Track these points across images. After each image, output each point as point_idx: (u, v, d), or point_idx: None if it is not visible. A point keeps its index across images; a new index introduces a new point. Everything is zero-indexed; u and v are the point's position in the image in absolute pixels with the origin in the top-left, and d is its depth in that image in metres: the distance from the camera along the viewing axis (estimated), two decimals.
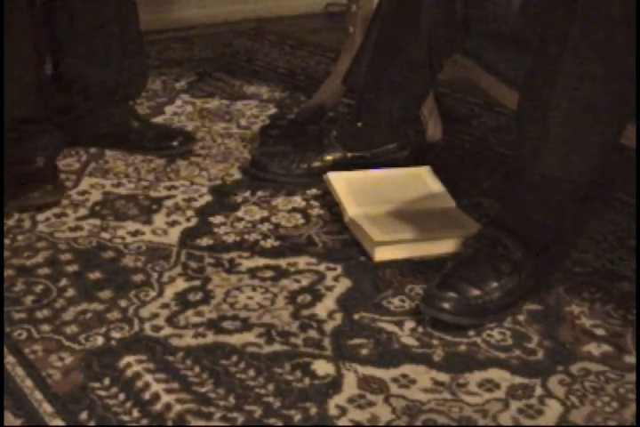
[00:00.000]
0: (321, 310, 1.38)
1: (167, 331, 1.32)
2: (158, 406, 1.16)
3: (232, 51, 2.82)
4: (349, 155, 1.83)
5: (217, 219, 1.67)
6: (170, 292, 1.43)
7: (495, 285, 1.34)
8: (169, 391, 1.19)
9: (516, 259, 1.36)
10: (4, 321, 1.33)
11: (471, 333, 1.33)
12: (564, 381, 1.22)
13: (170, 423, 1.14)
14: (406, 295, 1.42)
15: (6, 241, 1.57)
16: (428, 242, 1.54)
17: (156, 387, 1.20)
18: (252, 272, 1.49)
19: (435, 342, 1.31)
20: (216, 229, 1.63)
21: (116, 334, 1.31)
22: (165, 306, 1.39)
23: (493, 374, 1.24)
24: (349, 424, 1.14)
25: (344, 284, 1.46)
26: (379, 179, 1.74)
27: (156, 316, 1.36)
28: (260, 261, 1.52)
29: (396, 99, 1.80)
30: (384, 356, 1.27)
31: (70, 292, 1.42)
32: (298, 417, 1.15)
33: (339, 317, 1.37)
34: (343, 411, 1.16)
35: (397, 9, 1.76)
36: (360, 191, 1.67)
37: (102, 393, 1.18)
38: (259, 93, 2.38)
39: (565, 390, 1.20)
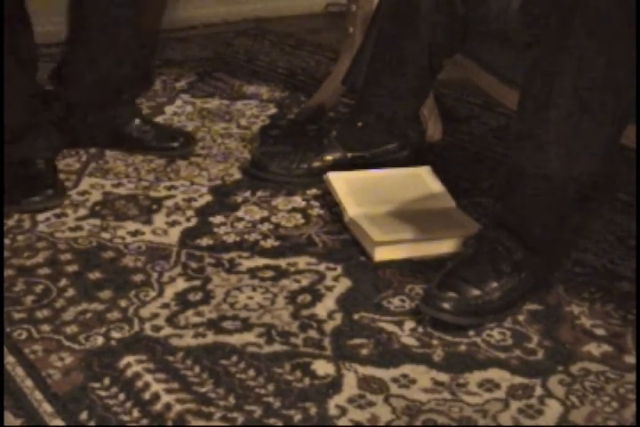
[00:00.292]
0: (321, 310, 1.38)
1: (167, 331, 1.32)
2: (158, 406, 1.16)
3: (232, 51, 2.82)
4: (349, 155, 1.83)
5: (217, 219, 1.67)
6: (170, 292, 1.43)
7: (495, 285, 1.34)
8: (169, 391, 1.19)
9: (516, 259, 1.36)
10: (4, 321, 1.33)
11: (471, 333, 1.33)
12: (564, 381, 1.22)
13: (170, 423, 1.14)
14: (406, 295, 1.42)
15: (6, 241, 1.57)
16: (428, 242, 1.54)
17: (156, 387, 1.20)
18: (252, 272, 1.49)
19: (435, 342, 1.31)
20: (216, 229, 1.63)
21: (115, 334, 1.31)
22: (165, 306, 1.39)
23: (493, 374, 1.24)
24: (349, 424, 1.14)
25: (344, 284, 1.46)
26: (379, 179, 1.74)
27: (156, 316, 1.36)
28: (260, 261, 1.52)
29: (395, 99, 1.80)
30: (384, 356, 1.27)
31: (70, 292, 1.42)
32: (298, 417, 1.15)
33: (339, 317, 1.36)
34: (343, 411, 1.16)
35: (397, 9, 1.77)
36: (360, 191, 1.67)
37: (102, 393, 1.18)
38: (259, 93, 2.38)
39: (565, 390, 1.20)
